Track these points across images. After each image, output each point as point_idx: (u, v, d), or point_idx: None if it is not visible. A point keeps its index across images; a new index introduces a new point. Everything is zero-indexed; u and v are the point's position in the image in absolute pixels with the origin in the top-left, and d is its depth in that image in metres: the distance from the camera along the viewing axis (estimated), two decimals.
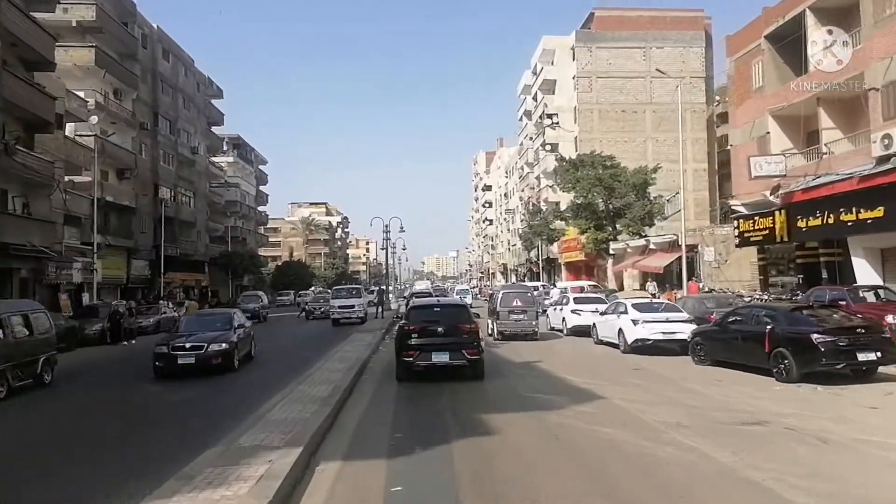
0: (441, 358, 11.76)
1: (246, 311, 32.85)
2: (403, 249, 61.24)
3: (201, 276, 56.93)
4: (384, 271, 49.18)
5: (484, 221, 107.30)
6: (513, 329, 19.93)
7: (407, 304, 44.04)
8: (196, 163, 54.19)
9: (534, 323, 20.26)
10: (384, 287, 40.01)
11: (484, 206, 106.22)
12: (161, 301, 37.86)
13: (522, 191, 69.88)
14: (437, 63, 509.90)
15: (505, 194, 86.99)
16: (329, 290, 50.23)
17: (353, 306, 29.50)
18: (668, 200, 36.99)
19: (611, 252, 42.54)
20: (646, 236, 40.76)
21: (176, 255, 49.03)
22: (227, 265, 57.97)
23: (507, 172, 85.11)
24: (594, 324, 17.91)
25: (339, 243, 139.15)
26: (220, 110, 62.49)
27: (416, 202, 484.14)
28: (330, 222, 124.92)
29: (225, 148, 66.38)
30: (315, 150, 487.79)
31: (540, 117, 58.67)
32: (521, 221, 71.42)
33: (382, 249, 45.22)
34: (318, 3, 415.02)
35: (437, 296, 46.05)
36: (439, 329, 12.02)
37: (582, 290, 32.41)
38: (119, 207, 41.80)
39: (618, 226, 42.41)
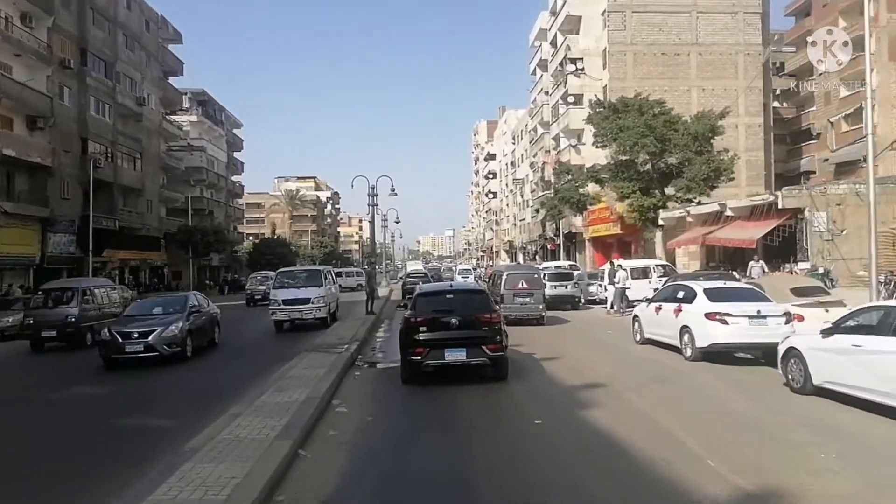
0: (456, 355, 9.76)
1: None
2: (397, 222, 51.95)
3: (154, 254, 47.66)
4: (373, 247, 39.68)
5: (487, 195, 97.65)
6: (518, 314, 18.20)
7: (403, 288, 35.31)
8: (144, 117, 44.44)
9: (541, 307, 18.84)
10: (373, 268, 29.89)
11: (487, 177, 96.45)
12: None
13: (535, 156, 60.40)
14: (434, 28, 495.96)
15: (511, 163, 77.39)
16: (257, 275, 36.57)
17: (307, 300, 18.66)
18: (829, 124, 26.82)
19: (660, 223, 33.33)
20: (698, 202, 31.65)
21: (114, 228, 39.67)
22: (186, 241, 48.54)
23: (514, 138, 75.44)
24: (794, 349, 8.52)
25: (329, 220, 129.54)
26: (178, 58, 52.56)
27: (411, 180, 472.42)
28: (318, 197, 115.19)
29: (187, 105, 56.45)
30: (306, 127, 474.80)
31: (560, 64, 48.96)
32: (532, 192, 62.16)
33: (370, 222, 35.72)
34: None
35: (431, 277, 37.58)
36: (453, 321, 9.86)
37: (645, 272, 23.29)
38: (28, 165, 32.35)
39: (668, 189, 33.18)
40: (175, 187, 52.10)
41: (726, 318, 10.56)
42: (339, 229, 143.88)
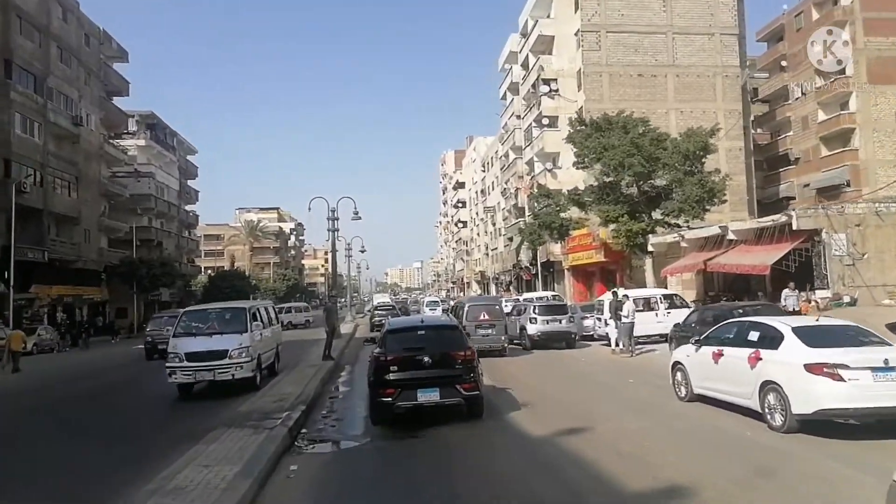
0: (429, 396, 9.18)
1: None
2: (362, 251, 48.48)
3: (93, 289, 43.10)
4: (334, 277, 36.11)
5: (456, 224, 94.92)
6: (479, 345, 16.23)
7: (371, 322, 31.76)
8: (81, 138, 40.44)
9: (503, 338, 18.85)
10: (332, 302, 25.79)
11: (456, 206, 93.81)
12: None
13: (507, 182, 57.94)
14: (399, 57, 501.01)
15: (482, 191, 74.95)
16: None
17: (223, 354, 12.87)
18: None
19: (649, 249, 30.72)
20: (687, 225, 29.32)
21: (43, 260, 35.29)
22: (130, 275, 44.09)
23: (484, 165, 73.17)
24: None
25: (293, 252, 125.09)
26: (123, 77, 48.82)
27: (379, 211, 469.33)
28: (281, 228, 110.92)
29: (134, 128, 52.52)
30: (269, 159, 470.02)
31: (533, 86, 46.81)
32: (505, 220, 59.57)
33: (332, 250, 32.17)
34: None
35: (399, 310, 34.29)
36: (426, 359, 9.34)
37: (650, 303, 20.36)
38: None
39: (655, 213, 30.70)
40: (119, 216, 47.80)
41: (839, 370, 7.20)
42: (303, 262, 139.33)
